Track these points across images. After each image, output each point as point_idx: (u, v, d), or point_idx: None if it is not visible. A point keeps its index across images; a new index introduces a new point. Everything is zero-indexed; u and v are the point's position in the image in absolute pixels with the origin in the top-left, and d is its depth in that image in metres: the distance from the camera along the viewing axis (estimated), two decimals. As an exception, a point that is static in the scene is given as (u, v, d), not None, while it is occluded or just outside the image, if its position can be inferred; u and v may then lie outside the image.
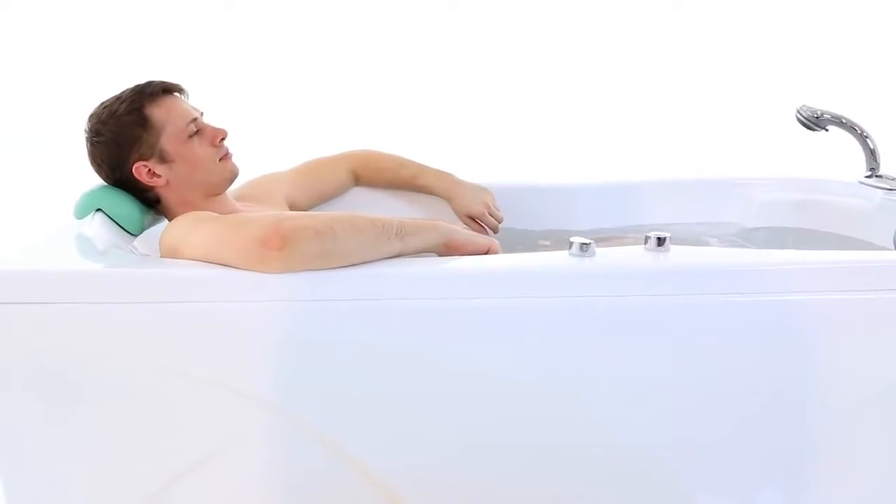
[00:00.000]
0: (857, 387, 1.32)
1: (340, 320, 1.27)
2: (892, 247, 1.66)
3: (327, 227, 1.24)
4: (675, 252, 1.35)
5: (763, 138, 2.95)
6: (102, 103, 1.54)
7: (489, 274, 1.29)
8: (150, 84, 1.53)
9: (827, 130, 1.91)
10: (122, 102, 1.51)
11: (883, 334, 1.30)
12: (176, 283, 1.26)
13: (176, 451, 1.31)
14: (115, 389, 1.27)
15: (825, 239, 1.83)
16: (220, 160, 1.56)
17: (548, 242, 1.89)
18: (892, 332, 1.29)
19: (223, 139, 1.56)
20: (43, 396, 1.27)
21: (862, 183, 1.87)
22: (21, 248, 1.36)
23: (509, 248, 1.81)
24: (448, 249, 1.37)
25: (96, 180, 1.56)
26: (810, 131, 1.92)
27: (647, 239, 1.35)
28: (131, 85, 1.53)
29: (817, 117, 1.90)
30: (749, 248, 1.83)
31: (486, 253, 1.39)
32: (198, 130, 1.53)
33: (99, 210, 1.51)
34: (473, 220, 1.83)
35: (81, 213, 1.52)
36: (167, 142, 1.51)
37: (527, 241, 1.89)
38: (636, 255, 1.34)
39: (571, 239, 1.32)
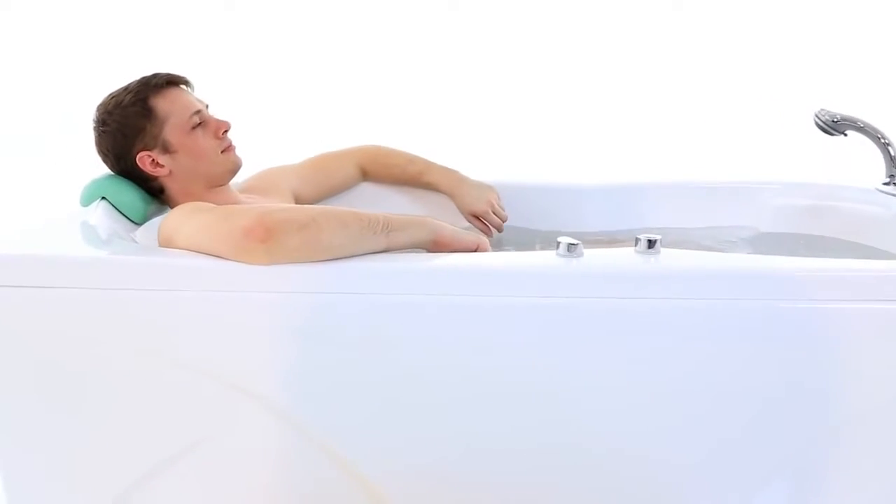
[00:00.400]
0: (850, 396, 1.28)
1: (326, 314, 1.28)
2: None
3: (311, 220, 1.25)
4: (665, 255, 1.33)
5: (778, 142, 2.88)
6: (110, 94, 1.57)
7: (473, 271, 1.29)
8: (155, 76, 1.56)
9: (846, 135, 1.86)
10: (128, 93, 1.55)
11: (866, 344, 1.26)
12: (165, 271, 1.28)
13: (164, 439, 1.33)
14: (103, 375, 1.30)
15: (838, 246, 1.79)
16: (222, 152, 1.58)
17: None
18: (873, 343, 1.25)
19: (226, 131, 1.59)
20: (33, 379, 1.30)
21: (879, 190, 1.82)
22: (20, 233, 1.40)
23: (517, 247, 1.81)
24: (436, 246, 1.37)
25: (100, 172, 1.60)
26: (829, 136, 1.88)
27: (637, 241, 1.33)
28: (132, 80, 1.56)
29: (836, 121, 1.86)
30: (753, 253, 1.79)
31: (475, 251, 1.39)
32: (201, 122, 1.56)
33: (104, 198, 1.55)
34: (477, 219, 1.83)
35: (87, 200, 1.56)
36: (170, 132, 1.53)
37: (532, 241, 1.88)
38: (625, 256, 1.32)
39: (559, 239, 1.31)
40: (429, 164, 1.87)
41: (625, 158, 2.95)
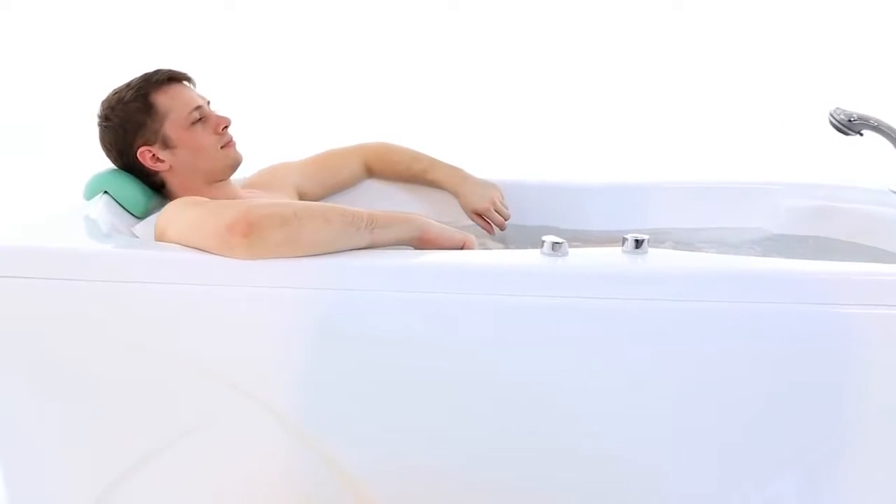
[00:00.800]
0: (834, 404, 1.25)
1: (312, 309, 1.28)
2: None
3: (293, 215, 1.26)
4: (653, 255, 1.31)
5: (790, 141, 2.81)
6: (114, 89, 1.60)
7: (457, 269, 1.28)
8: (157, 72, 1.58)
9: (861, 135, 1.81)
10: (130, 89, 1.57)
11: (865, 348, 1.23)
12: (152, 265, 1.30)
13: (153, 430, 1.35)
14: (94, 365, 1.32)
15: (848, 248, 1.75)
16: (222, 147, 1.59)
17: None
18: (859, 348, 1.22)
19: (226, 127, 1.60)
20: (28, 369, 1.33)
21: (893, 191, 1.77)
22: (21, 225, 1.43)
23: (519, 246, 1.80)
24: (422, 243, 1.37)
25: (104, 167, 1.63)
26: (844, 136, 1.83)
27: (624, 240, 1.32)
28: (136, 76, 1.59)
29: (851, 121, 1.81)
30: (761, 254, 1.76)
31: (462, 248, 1.38)
32: (201, 118, 1.57)
33: (106, 193, 1.58)
34: (480, 217, 1.82)
35: (89, 194, 1.59)
36: (170, 128, 1.56)
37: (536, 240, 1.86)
38: (611, 256, 1.31)
39: (543, 238, 1.31)
40: (433, 162, 1.87)
41: (631, 158, 2.91)
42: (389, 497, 1.35)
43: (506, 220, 1.82)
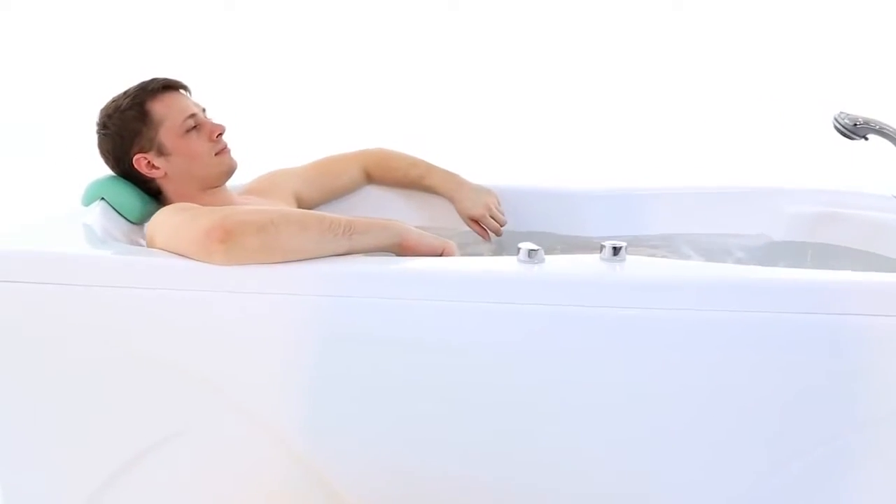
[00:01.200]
0: (810, 414, 1.23)
1: (289, 314, 1.30)
2: None
3: (270, 222, 1.28)
4: (631, 263, 1.30)
5: (792, 146, 2.75)
6: (112, 98, 1.63)
7: (432, 276, 1.29)
8: (153, 81, 1.61)
9: (866, 139, 1.77)
10: (126, 98, 1.61)
11: (825, 359, 1.20)
12: (133, 270, 1.32)
13: (136, 433, 1.38)
14: (77, 368, 1.35)
15: (851, 255, 1.71)
16: (216, 154, 1.62)
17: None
18: (833, 358, 1.19)
19: (220, 134, 1.63)
20: (16, 372, 1.37)
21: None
22: (15, 230, 1.47)
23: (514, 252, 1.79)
24: (402, 249, 1.38)
25: (103, 171, 1.66)
26: (849, 140, 1.79)
27: (602, 248, 1.31)
28: (133, 84, 1.62)
29: (856, 125, 1.77)
30: (761, 261, 1.73)
31: (441, 255, 1.38)
32: (196, 125, 1.60)
33: (103, 199, 1.62)
34: (476, 223, 1.82)
35: (87, 200, 1.62)
36: (165, 135, 1.59)
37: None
38: (588, 263, 1.31)
39: (519, 245, 1.30)
40: (430, 168, 1.87)
41: (630, 162, 2.88)
42: (372, 501, 1.36)
43: (502, 226, 1.82)
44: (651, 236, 1.85)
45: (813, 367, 1.22)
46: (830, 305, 1.17)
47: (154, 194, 1.65)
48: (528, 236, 1.87)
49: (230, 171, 1.65)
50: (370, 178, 1.94)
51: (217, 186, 1.65)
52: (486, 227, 1.81)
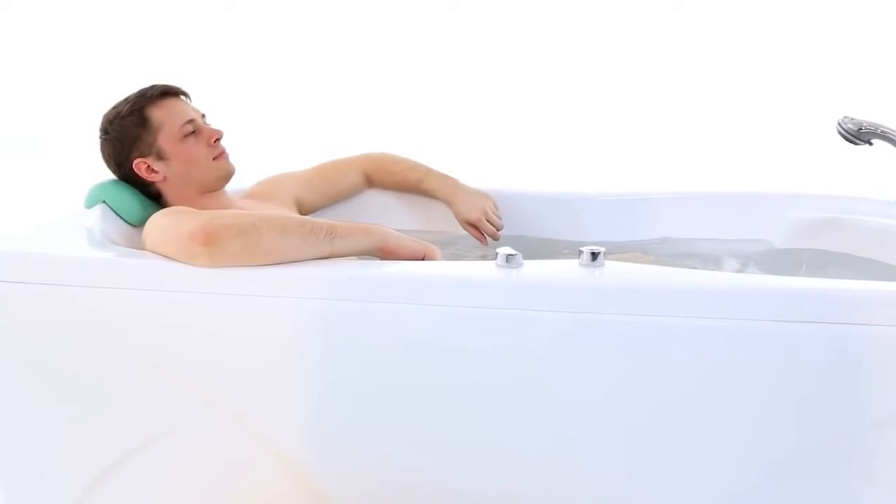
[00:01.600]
0: (793, 429, 1.21)
1: (274, 317, 1.32)
2: None
3: (252, 225, 1.30)
4: (609, 268, 1.29)
5: (793, 150, 2.69)
6: (114, 104, 1.68)
7: (409, 279, 1.30)
8: (152, 87, 1.65)
9: (871, 144, 1.75)
10: (127, 104, 1.65)
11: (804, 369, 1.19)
12: (127, 271, 1.36)
13: (121, 434, 1.41)
14: (71, 369, 1.38)
15: (848, 262, 1.68)
16: (213, 159, 1.65)
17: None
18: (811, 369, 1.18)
19: (218, 139, 1.66)
20: (9, 372, 1.41)
21: (901, 203, 1.70)
22: (10, 233, 1.52)
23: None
24: (384, 253, 1.40)
25: (105, 176, 1.71)
26: (852, 145, 1.76)
27: (580, 253, 1.31)
28: (132, 85, 1.66)
29: (860, 130, 1.74)
30: (762, 268, 1.71)
31: (423, 259, 1.39)
32: (194, 131, 1.64)
33: (104, 202, 1.66)
34: (473, 226, 1.83)
35: (89, 203, 1.67)
36: (164, 141, 1.62)
37: (537, 250, 1.85)
38: (566, 269, 1.31)
39: (497, 249, 1.31)
40: (428, 172, 1.89)
41: (630, 164, 2.84)
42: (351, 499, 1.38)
43: (498, 230, 1.83)
44: (650, 241, 1.84)
45: (790, 375, 1.21)
46: (795, 313, 1.16)
47: (154, 198, 1.68)
48: (526, 241, 1.88)
49: (228, 175, 1.68)
50: (371, 183, 1.96)
51: (215, 190, 1.68)
52: (483, 230, 1.82)
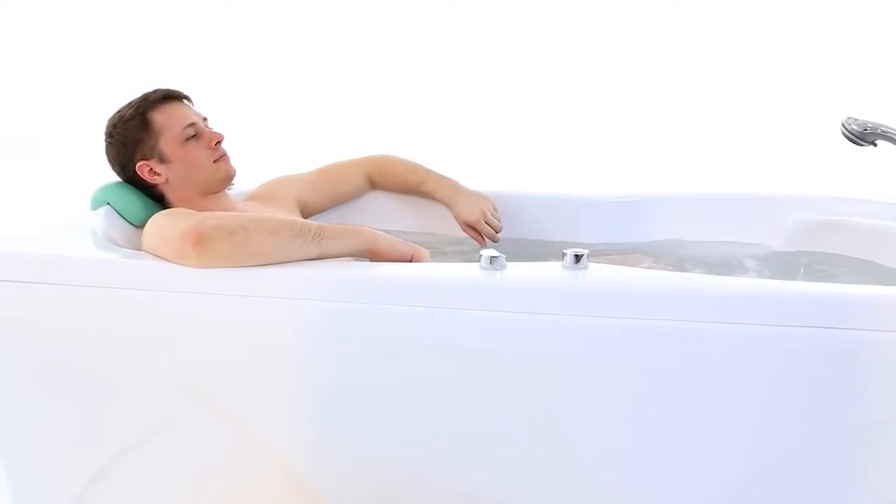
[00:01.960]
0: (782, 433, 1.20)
1: (264, 318, 1.34)
2: None
3: (241, 227, 1.33)
4: (593, 270, 1.30)
5: (796, 151, 2.65)
6: (118, 108, 1.72)
7: (392, 281, 1.31)
8: (155, 91, 1.69)
9: (875, 145, 1.72)
10: (130, 108, 1.69)
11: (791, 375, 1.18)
12: (122, 271, 1.40)
13: (121, 432, 1.44)
14: (73, 367, 1.42)
15: (849, 264, 1.66)
16: (214, 162, 1.68)
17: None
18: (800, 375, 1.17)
19: (219, 142, 1.69)
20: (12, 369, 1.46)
21: (904, 205, 1.67)
22: (22, 232, 1.57)
23: (511, 259, 1.80)
24: (372, 255, 1.41)
25: (108, 178, 1.75)
26: (857, 146, 1.73)
27: (564, 255, 1.31)
28: (132, 86, 1.70)
29: (865, 131, 1.72)
30: (763, 271, 1.69)
31: (410, 260, 1.41)
32: (196, 134, 1.67)
33: (108, 204, 1.70)
34: (472, 228, 1.84)
35: (94, 205, 1.71)
36: (165, 144, 1.66)
37: (535, 253, 1.86)
38: (550, 271, 1.31)
39: (481, 252, 1.32)
40: (428, 174, 1.90)
41: (630, 165, 2.82)
42: (337, 497, 1.39)
43: (497, 231, 1.84)
44: (650, 243, 1.84)
45: (777, 377, 1.20)
46: (790, 317, 1.16)
47: (158, 199, 1.72)
48: (525, 243, 1.89)
49: (228, 177, 1.71)
50: (373, 185, 1.98)
51: (216, 192, 1.71)
52: (482, 232, 1.83)
